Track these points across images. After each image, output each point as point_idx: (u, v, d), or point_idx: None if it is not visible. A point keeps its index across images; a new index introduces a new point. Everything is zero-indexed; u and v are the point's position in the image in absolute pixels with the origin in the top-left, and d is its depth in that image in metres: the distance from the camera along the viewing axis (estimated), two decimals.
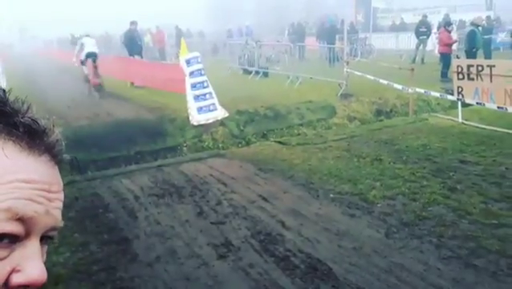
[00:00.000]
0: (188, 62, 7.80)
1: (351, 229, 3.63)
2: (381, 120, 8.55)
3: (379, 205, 4.08)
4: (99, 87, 10.46)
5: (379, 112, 9.14)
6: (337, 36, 16.19)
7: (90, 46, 10.32)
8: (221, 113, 8.02)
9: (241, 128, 7.99)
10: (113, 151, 6.53)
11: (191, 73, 7.81)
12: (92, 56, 10.20)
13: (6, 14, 39.96)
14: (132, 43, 12.61)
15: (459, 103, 7.14)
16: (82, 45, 10.38)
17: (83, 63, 10.40)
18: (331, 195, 4.35)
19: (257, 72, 13.49)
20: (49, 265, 1.96)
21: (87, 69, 10.52)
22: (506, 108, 6.34)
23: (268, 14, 29.54)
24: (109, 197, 4.64)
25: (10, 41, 34.75)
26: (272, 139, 7.46)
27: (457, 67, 7.04)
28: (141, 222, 3.98)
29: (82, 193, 4.76)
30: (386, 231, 3.57)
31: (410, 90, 8.23)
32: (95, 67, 10.31)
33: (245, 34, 20.87)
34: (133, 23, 12.68)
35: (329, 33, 16.50)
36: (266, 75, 13.29)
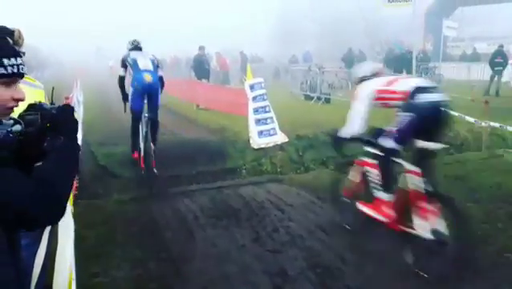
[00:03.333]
0: (252, 87, 7.98)
1: (418, 270, 3.38)
2: (451, 154, 8.06)
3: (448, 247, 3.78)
4: None
5: (448, 145, 8.62)
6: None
7: None
8: (280, 138, 8.03)
9: (300, 153, 7.91)
10: (176, 169, 6.72)
11: (254, 98, 7.96)
12: None
13: (84, 30, 43.35)
14: (200, 67, 13.13)
15: None
16: None
17: None
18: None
19: (318, 98, 13.43)
20: (110, 279, 2.02)
21: None
22: None
23: (331, 39, 29.50)
24: (170, 215, 4.76)
25: (86, 57, 37.45)
26: (332, 167, 7.28)
27: None
28: (198, 243, 4.01)
29: (144, 209, 4.92)
30: (456, 276, 3.28)
31: (484, 123, 7.72)
32: None
33: (305, 60, 20.98)
34: (201, 48, 13.24)
35: (397, 60, 16.09)
36: (327, 101, 13.19)
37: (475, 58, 19.87)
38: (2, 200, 1.09)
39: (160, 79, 5.77)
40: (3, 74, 1.22)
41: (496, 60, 14.53)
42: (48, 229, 1.97)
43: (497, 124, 7.55)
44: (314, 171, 6.99)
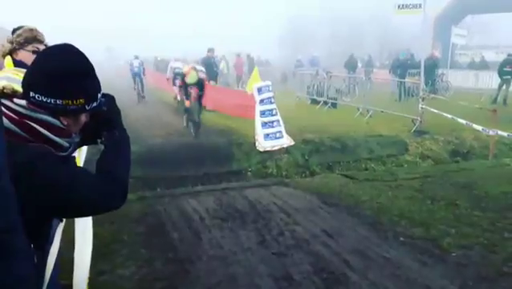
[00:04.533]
0: (259, 90, 8.01)
1: (423, 277, 3.38)
2: (457, 162, 8.04)
3: (454, 254, 3.78)
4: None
5: (455, 153, 8.61)
6: (412, 71, 15.69)
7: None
8: (286, 141, 8.05)
9: (306, 157, 7.92)
10: (182, 170, 6.76)
11: (261, 101, 8.00)
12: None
13: (95, 30, 43.59)
14: (209, 69, 13.16)
15: None
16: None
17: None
18: (401, 238, 4.11)
19: (325, 103, 13.42)
20: (115, 278, 2.06)
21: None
22: None
23: (340, 44, 29.48)
24: (176, 215, 4.78)
25: (97, 57, 37.50)
26: (338, 171, 7.29)
27: None
28: (205, 244, 4.03)
29: (151, 209, 4.95)
30: (461, 284, 3.28)
31: (491, 132, 7.70)
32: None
33: (313, 64, 20.96)
34: (210, 50, 13.29)
35: (402, 67, 16.06)
36: (334, 106, 13.18)
37: (483, 66, 19.77)
38: (76, 203, 1.22)
39: (143, 70, 15.23)
40: (95, 107, 1.33)
41: (505, 69, 14.46)
42: (61, 226, 1.99)
43: (505, 133, 7.52)
44: (320, 175, 7.00)
